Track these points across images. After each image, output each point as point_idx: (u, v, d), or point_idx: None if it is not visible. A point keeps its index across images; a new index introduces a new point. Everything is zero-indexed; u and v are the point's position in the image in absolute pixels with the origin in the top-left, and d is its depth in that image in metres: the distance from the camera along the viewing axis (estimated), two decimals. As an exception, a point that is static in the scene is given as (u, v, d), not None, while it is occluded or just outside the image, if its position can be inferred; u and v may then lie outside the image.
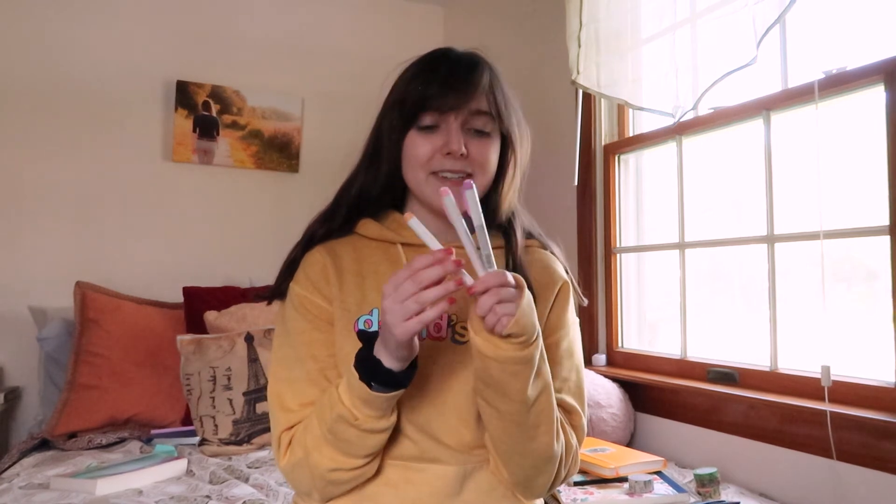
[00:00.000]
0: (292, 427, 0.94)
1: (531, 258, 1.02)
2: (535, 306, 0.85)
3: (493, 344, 0.80)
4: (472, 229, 0.82)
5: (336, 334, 0.95)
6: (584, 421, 1.00)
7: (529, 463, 0.91)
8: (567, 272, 1.05)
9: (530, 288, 0.86)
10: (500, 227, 1.02)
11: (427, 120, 0.94)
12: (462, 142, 0.93)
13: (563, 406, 0.96)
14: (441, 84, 0.94)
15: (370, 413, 0.85)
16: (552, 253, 1.06)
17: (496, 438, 0.90)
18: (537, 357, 0.84)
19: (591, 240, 2.31)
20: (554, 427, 0.90)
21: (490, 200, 1.00)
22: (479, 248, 0.81)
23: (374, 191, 1.00)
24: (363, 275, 0.97)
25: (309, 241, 1.01)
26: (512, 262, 0.98)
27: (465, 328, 0.94)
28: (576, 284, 1.06)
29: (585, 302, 1.09)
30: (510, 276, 0.80)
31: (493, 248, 0.90)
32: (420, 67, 0.98)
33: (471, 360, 0.92)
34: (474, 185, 0.83)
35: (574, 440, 0.96)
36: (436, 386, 0.93)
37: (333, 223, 1.01)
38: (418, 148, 0.94)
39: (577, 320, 1.05)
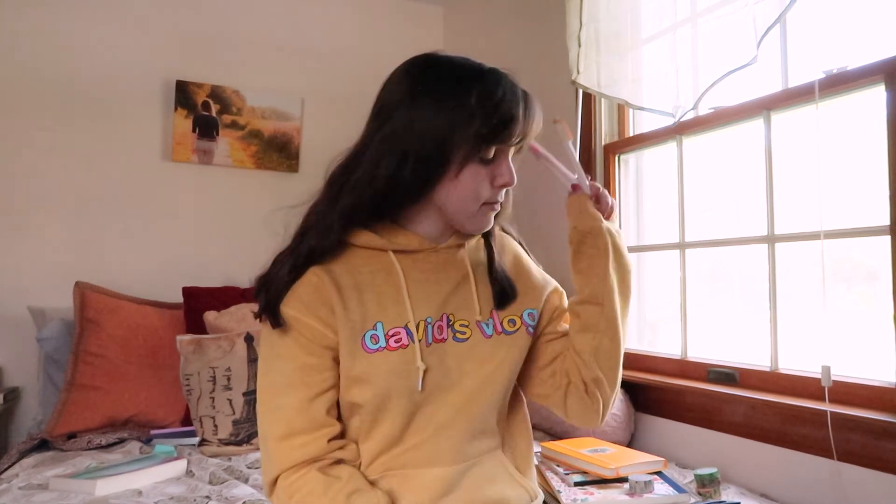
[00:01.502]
0: (292, 469, 0.91)
1: (502, 245, 1.08)
2: (527, 295, 1.04)
3: (612, 225, 1.03)
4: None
5: (343, 354, 0.93)
6: None
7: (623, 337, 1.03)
8: (524, 249, 1.14)
9: (507, 278, 1.03)
10: (488, 233, 1.06)
11: (492, 153, 0.93)
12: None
13: None
14: (520, 118, 0.92)
15: None
16: (510, 235, 1.13)
17: (613, 304, 1.00)
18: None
19: (591, 240, 2.31)
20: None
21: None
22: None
23: (389, 198, 0.93)
24: (361, 288, 0.95)
25: (308, 258, 0.94)
26: (492, 258, 1.04)
27: (464, 325, 0.97)
28: (528, 250, 1.15)
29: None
30: None
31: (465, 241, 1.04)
32: (501, 95, 0.90)
33: (474, 353, 0.97)
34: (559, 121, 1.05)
35: None
36: (445, 386, 0.94)
37: (332, 232, 0.94)
38: (480, 181, 0.93)
39: None
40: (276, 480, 0.92)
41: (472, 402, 0.96)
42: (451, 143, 0.89)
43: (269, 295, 0.94)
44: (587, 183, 1.05)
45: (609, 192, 2.47)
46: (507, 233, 1.12)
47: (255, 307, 0.98)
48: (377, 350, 0.92)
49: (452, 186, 0.93)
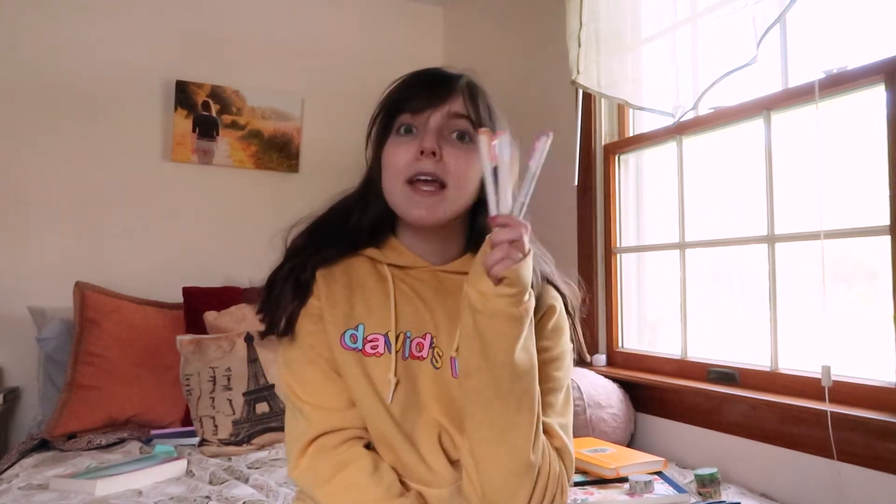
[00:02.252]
0: (334, 434, 0.90)
1: (541, 302, 0.95)
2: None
3: (485, 296, 0.79)
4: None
5: None
6: (569, 446, 0.92)
7: (506, 465, 0.83)
8: (570, 311, 0.99)
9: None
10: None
11: (401, 121, 0.93)
12: (435, 141, 0.90)
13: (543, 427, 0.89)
14: (416, 86, 0.94)
15: None
16: (559, 291, 0.99)
17: (474, 421, 0.84)
18: (526, 322, 0.81)
19: (591, 240, 2.31)
20: (534, 425, 0.84)
21: (477, 222, 0.97)
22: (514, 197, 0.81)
23: (369, 221, 0.98)
24: (351, 287, 0.96)
25: (313, 270, 0.96)
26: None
27: (440, 354, 0.93)
28: (580, 337, 1.01)
29: (588, 359, 1.04)
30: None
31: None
32: (398, 81, 0.98)
33: (443, 383, 0.91)
34: (550, 136, 0.80)
35: (558, 466, 0.88)
36: (414, 405, 0.91)
37: (331, 252, 0.98)
38: (395, 156, 0.92)
39: (569, 349, 0.98)
40: (312, 441, 0.90)
41: (445, 433, 0.91)
42: (372, 130, 0.98)
43: (293, 307, 0.94)
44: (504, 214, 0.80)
45: (609, 194, 2.43)
46: (556, 287, 1.00)
47: (255, 308, 0.98)
48: (352, 350, 0.92)
49: (383, 170, 0.95)
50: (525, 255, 0.79)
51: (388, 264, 0.97)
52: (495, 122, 0.95)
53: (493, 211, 0.80)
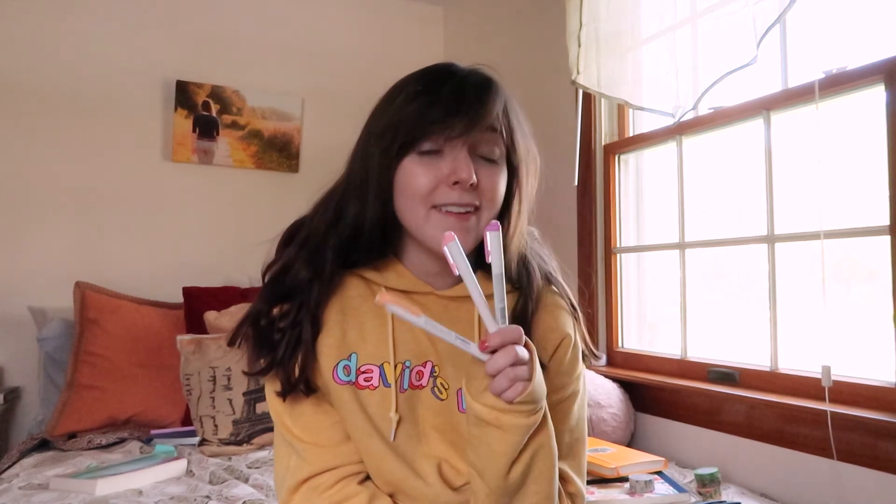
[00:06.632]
0: (329, 473, 0.85)
1: (550, 320, 0.92)
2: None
3: (497, 411, 0.73)
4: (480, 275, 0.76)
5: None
6: (582, 489, 0.90)
7: None
8: (576, 321, 0.95)
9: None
10: (510, 272, 0.89)
11: (428, 145, 0.82)
12: (472, 170, 0.80)
13: None
14: (447, 107, 0.81)
15: None
16: (564, 296, 0.95)
17: None
18: (540, 419, 0.76)
19: (591, 240, 2.31)
20: (553, 492, 0.80)
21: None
22: (492, 299, 0.74)
23: (365, 231, 0.86)
24: (343, 311, 0.88)
25: (318, 308, 0.86)
26: (525, 315, 0.88)
27: (444, 386, 0.88)
28: (586, 336, 0.96)
29: (601, 358, 1.02)
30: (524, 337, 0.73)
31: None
32: (420, 87, 0.84)
33: (448, 415, 0.86)
34: (500, 227, 0.76)
35: None
36: (414, 436, 0.86)
37: (323, 276, 0.86)
38: (418, 177, 0.81)
39: (583, 373, 0.95)
40: (305, 481, 0.86)
41: (446, 463, 0.86)
42: (383, 140, 0.83)
43: (302, 359, 0.85)
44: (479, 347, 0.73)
45: (609, 193, 2.43)
46: (562, 294, 0.95)
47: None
48: (346, 384, 0.85)
49: (397, 190, 0.84)
50: (532, 365, 0.73)
51: (386, 287, 0.89)
52: (523, 142, 0.87)
53: (489, 325, 0.73)
